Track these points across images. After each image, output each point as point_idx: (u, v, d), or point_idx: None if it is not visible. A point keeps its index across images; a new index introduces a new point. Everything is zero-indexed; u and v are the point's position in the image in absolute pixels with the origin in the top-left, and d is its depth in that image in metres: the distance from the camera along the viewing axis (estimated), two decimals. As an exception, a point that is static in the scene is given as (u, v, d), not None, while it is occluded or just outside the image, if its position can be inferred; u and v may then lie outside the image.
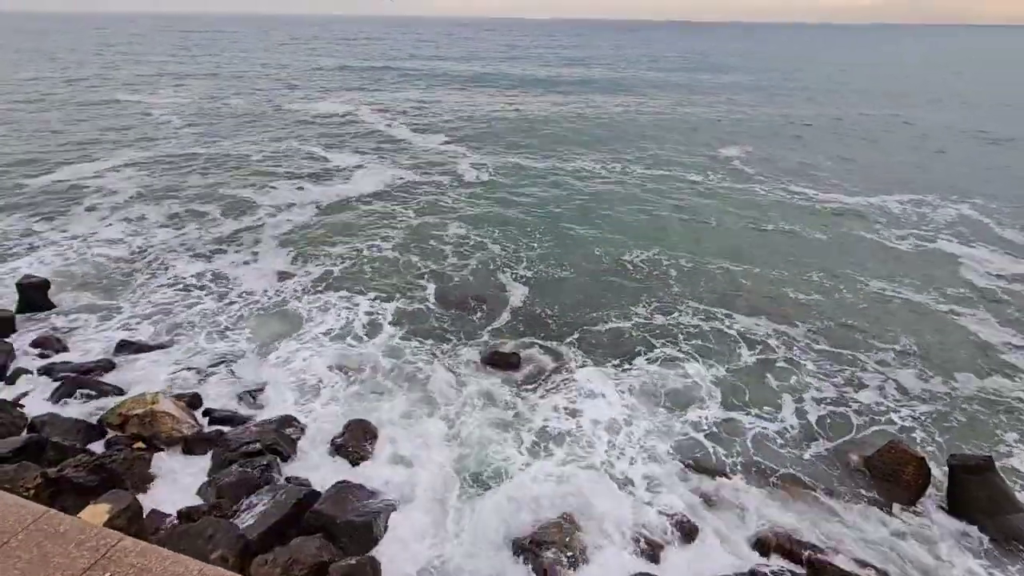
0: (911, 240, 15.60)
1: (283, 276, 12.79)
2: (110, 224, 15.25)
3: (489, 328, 10.90)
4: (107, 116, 29.12)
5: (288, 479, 6.73)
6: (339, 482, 6.47)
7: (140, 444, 7.06)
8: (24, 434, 6.71)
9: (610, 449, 7.67)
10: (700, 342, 10.60)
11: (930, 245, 15.20)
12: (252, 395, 8.62)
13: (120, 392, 8.45)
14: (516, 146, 25.37)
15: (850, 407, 8.90)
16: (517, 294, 12.20)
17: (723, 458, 7.71)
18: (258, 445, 6.98)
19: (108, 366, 9.10)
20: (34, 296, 10.88)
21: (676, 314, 11.55)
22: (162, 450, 7.05)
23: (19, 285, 10.85)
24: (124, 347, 9.68)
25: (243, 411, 8.21)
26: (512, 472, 7.14)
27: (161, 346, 9.96)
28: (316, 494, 6.07)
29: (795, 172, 22.02)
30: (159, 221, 15.59)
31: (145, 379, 8.90)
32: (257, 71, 52.50)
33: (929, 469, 6.99)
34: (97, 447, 7.19)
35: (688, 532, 6.31)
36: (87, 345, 9.88)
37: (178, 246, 14.09)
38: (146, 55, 66.27)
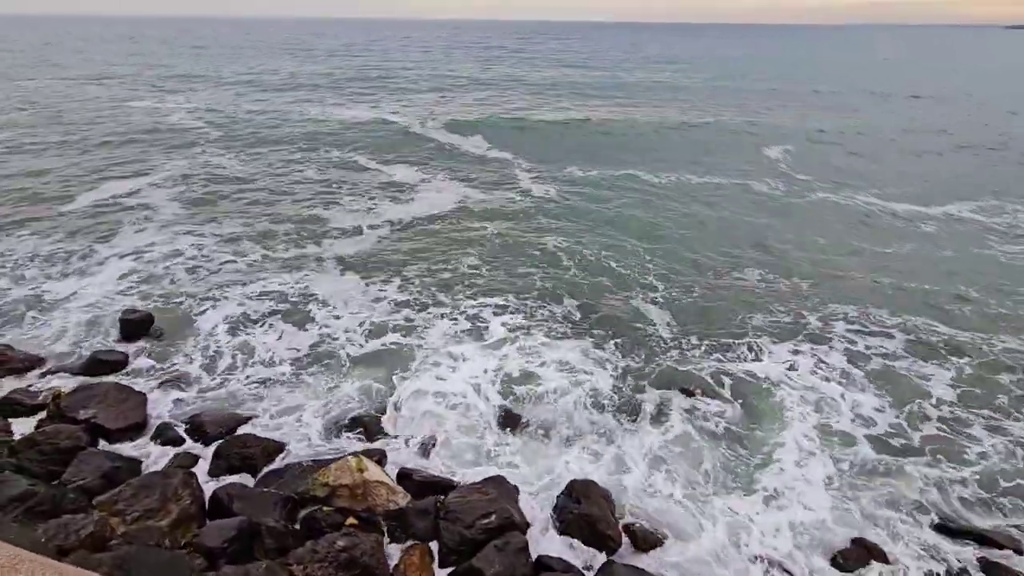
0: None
1: (391, 300, 11.65)
2: (178, 245, 13.89)
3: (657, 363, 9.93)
4: (140, 126, 27.20)
5: (541, 559, 5.77)
6: (627, 566, 5.57)
7: (353, 520, 6.01)
8: (235, 519, 5.58)
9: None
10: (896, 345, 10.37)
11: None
12: (427, 447, 7.63)
13: (280, 448, 7.39)
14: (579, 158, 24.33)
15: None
16: (656, 317, 11.34)
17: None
18: (494, 519, 5.99)
19: (251, 416, 8.00)
20: (137, 331, 9.67)
21: (843, 323, 11.19)
22: (393, 536, 6.00)
23: (122, 320, 9.63)
24: (264, 384, 8.58)
25: (434, 468, 7.21)
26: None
27: (292, 386, 8.87)
28: (615, 588, 5.10)
29: (888, 182, 20.99)
30: (227, 241, 14.27)
31: (293, 432, 7.82)
32: (269, 76, 50.52)
33: None
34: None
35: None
36: (214, 385, 8.74)
37: (255, 268, 12.83)
38: (160, 62, 63.44)
